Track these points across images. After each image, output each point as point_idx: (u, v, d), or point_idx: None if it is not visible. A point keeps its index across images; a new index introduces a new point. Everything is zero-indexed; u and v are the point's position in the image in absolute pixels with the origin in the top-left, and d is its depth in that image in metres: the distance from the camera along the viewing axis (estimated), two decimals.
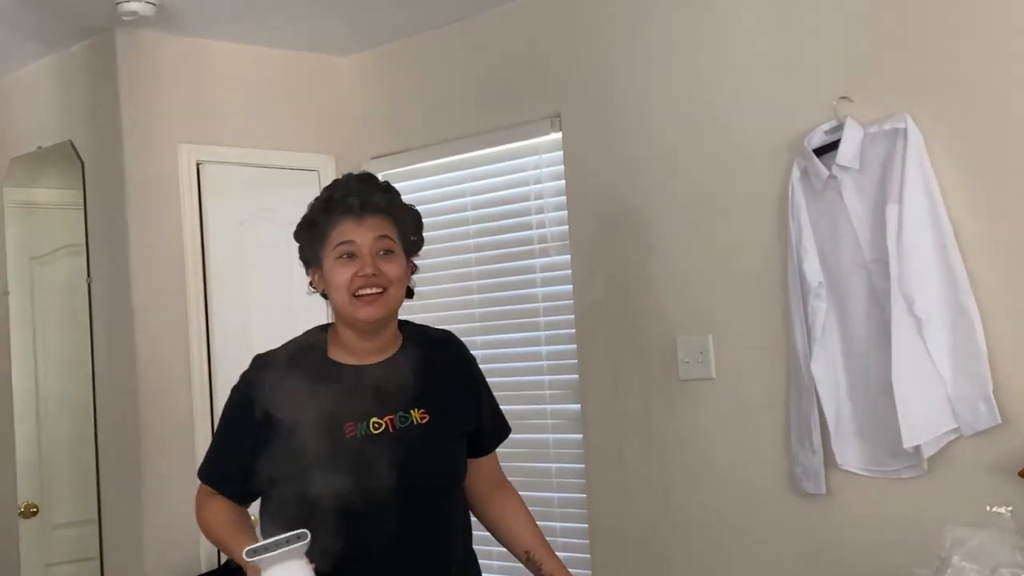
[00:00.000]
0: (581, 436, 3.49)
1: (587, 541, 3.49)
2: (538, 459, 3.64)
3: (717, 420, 3.14)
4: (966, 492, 2.63)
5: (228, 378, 3.64)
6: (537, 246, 3.65)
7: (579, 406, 3.49)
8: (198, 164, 3.83)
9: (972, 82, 2.65)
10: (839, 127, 2.78)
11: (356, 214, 2.16)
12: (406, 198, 4.05)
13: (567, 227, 3.52)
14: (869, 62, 2.82)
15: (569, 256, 3.51)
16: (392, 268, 2.16)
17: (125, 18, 3.48)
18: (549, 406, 3.62)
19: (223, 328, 3.80)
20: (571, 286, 3.51)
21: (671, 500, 3.24)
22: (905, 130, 2.67)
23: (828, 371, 2.84)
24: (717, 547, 3.14)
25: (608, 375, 3.40)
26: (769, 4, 3.01)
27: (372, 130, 4.11)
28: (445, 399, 2.25)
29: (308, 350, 2.23)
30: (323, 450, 2.08)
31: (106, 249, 3.77)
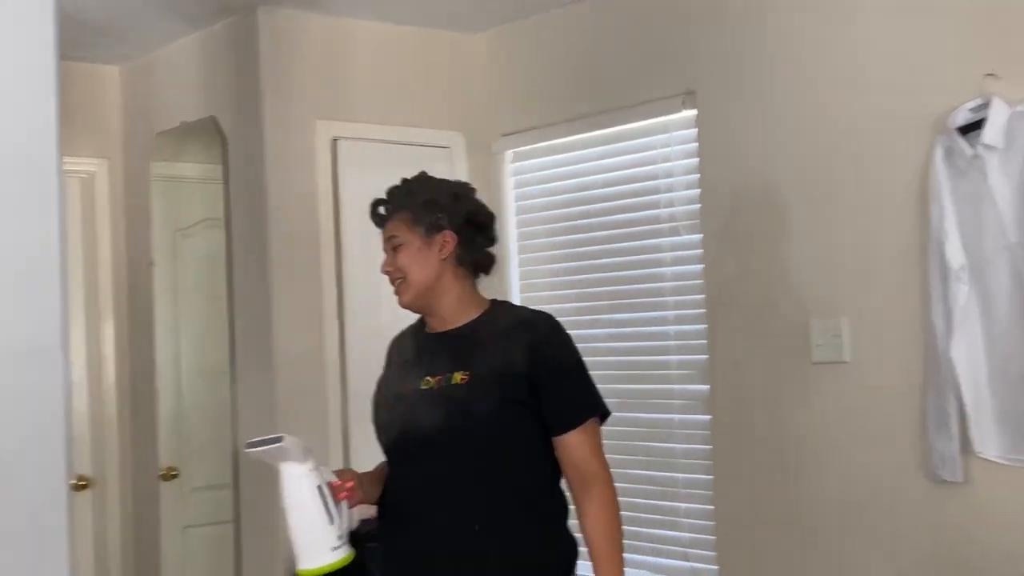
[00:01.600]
0: (708, 417, 3.46)
1: (712, 523, 3.46)
2: (663, 439, 3.62)
3: (850, 404, 3.08)
4: None
5: (360, 348, 3.74)
6: (666, 225, 3.62)
7: (707, 387, 3.46)
8: (334, 140, 3.89)
9: None
10: (985, 105, 2.69)
11: (378, 228, 2.50)
12: (533, 176, 4.09)
13: (698, 206, 3.48)
14: (1017, 37, 2.72)
15: (700, 235, 3.48)
16: (403, 258, 2.38)
17: None
18: (676, 386, 3.60)
19: (354, 302, 3.86)
20: (701, 266, 3.48)
21: (801, 484, 3.19)
22: None
23: (968, 356, 2.76)
24: (848, 533, 3.09)
25: (738, 356, 3.36)
26: None
27: (502, 107, 4.13)
28: (491, 367, 2.35)
29: (419, 320, 2.53)
30: (388, 399, 2.47)
31: (245, 222, 3.87)
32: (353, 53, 3.95)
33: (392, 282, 2.42)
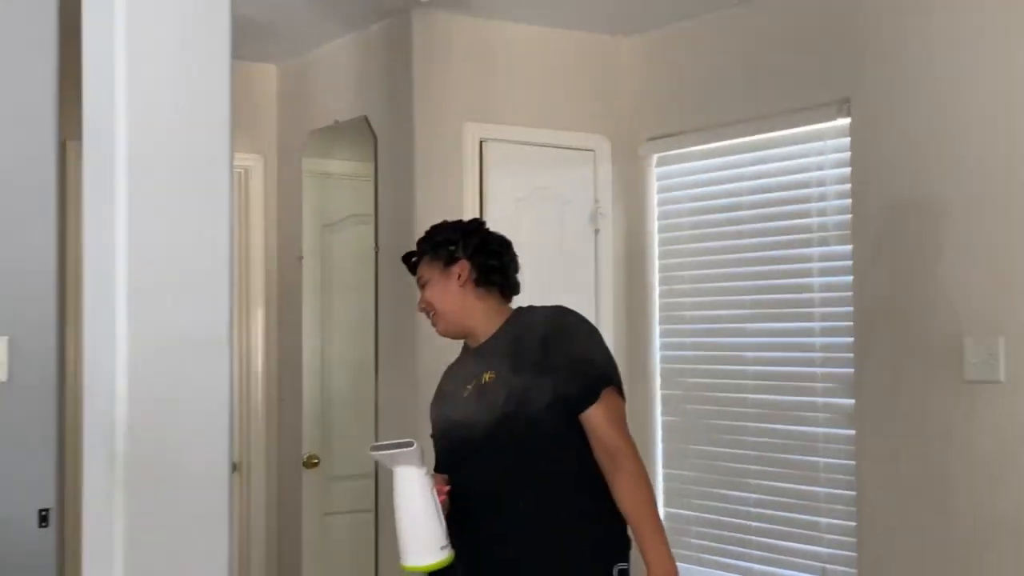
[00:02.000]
0: (854, 432, 3.41)
1: (854, 539, 3.41)
2: (807, 452, 3.57)
3: (1004, 424, 3.00)
4: None
5: None
6: (816, 234, 3.57)
7: (853, 401, 3.41)
8: (481, 142, 3.93)
9: None
10: None
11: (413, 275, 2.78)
12: (678, 181, 4.13)
13: (849, 216, 3.43)
14: None
15: (850, 247, 3.42)
16: (429, 293, 2.68)
17: (421, 1, 3.63)
18: (821, 399, 3.54)
19: None
20: (851, 277, 3.42)
21: (949, 506, 3.13)
22: None
23: None
24: (999, 556, 3.01)
25: (887, 371, 3.30)
26: None
27: (648, 111, 4.12)
28: (513, 363, 2.58)
29: (464, 346, 2.80)
30: (439, 405, 2.74)
31: (393, 220, 3.93)
32: (502, 55, 3.99)
33: (428, 316, 2.71)
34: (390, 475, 2.46)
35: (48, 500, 3.11)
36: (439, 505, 2.42)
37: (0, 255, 3.12)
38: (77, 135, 2.57)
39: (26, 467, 3.14)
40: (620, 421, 2.52)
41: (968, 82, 3.10)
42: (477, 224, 2.79)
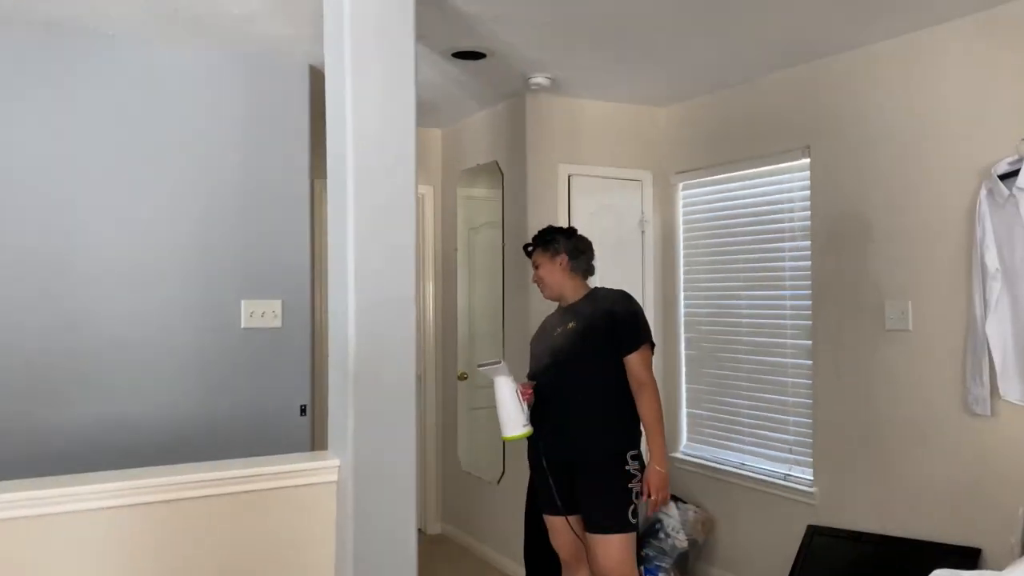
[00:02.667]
0: (810, 362, 3.40)
1: (811, 431, 3.40)
2: (779, 374, 3.56)
3: (911, 360, 2.98)
4: None
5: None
6: (787, 234, 3.54)
7: (810, 342, 3.40)
8: (569, 176, 3.95)
9: None
10: (1020, 160, 2.55)
11: (528, 258, 2.85)
12: (696, 199, 4.13)
13: (809, 222, 3.40)
14: None
15: (809, 242, 3.40)
16: (542, 272, 2.76)
17: (532, 87, 3.67)
18: (789, 340, 3.53)
19: None
20: (810, 262, 3.40)
21: (874, 409, 3.11)
22: None
23: (998, 331, 2.64)
24: (907, 445, 3.00)
25: (833, 322, 3.28)
26: (968, 67, 2.77)
27: (677, 154, 4.11)
28: (585, 320, 2.65)
29: (558, 305, 2.81)
30: (538, 340, 2.81)
31: (512, 226, 3.98)
32: (582, 120, 4.00)
33: (538, 286, 2.80)
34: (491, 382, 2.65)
35: (305, 398, 3.29)
36: (522, 400, 2.57)
37: (278, 250, 3.28)
38: (323, 175, 2.64)
39: (294, 378, 3.28)
40: (647, 364, 2.60)
41: (887, 133, 3.06)
42: (572, 230, 2.86)
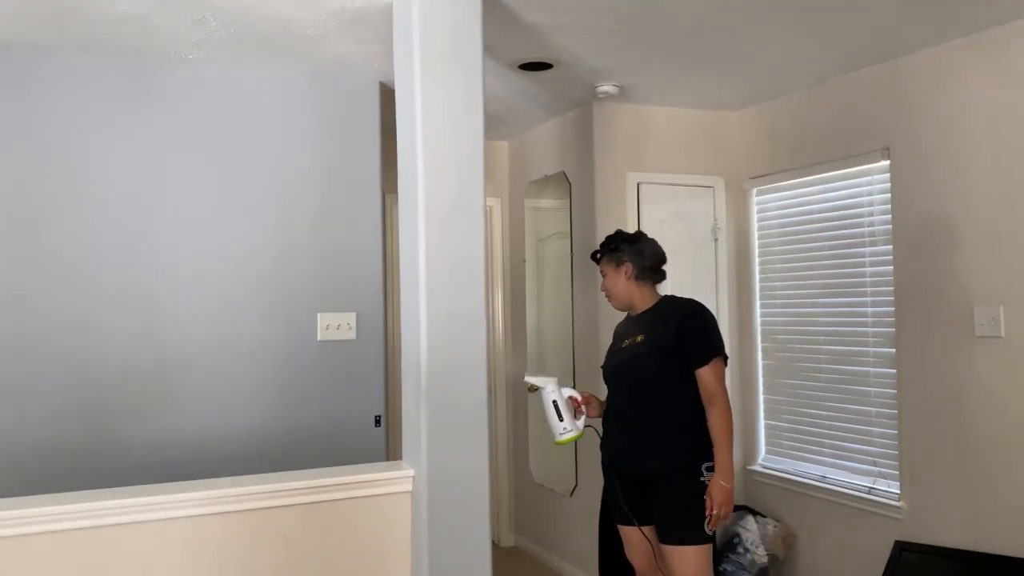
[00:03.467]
0: (894, 371, 3.28)
1: (896, 443, 3.28)
2: (861, 383, 3.45)
3: (1004, 368, 2.84)
4: None
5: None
6: (867, 238, 3.43)
7: (894, 350, 3.28)
8: (638, 184, 3.91)
9: None
10: None
11: (597, 265, 2.80)
12: (770, 205, 4.06)
13: (890, 226, 3.28)
14: None
15: (891, 246, 3.28)
16: (608, 283, 2.71)
17: (600, 95, 3.66)
18: (872, 348, 3.41)
19: None
20: (892, 267, 3.28)
21: (963, 423, 2.98)
22: None
23: None
24: (999, 458, 2.86)
25: (918, 330, 3.16)
26: None
27: (750, 160, 4.04)
28: (655, 332, 2.59)
29: (628, 311, 2.77)
30: (609, 354, 2.76)
31: (581, 236, 3.94)
32: (651, 127, 3.97)
33: (606, 296, 2.75)
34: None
35: (379, 409, 3.31)
36: (564, 408, 2.62)
37: (351, 263, 3.34)
38: (393, 190, 2.71)
39: (368, 389, 3.32)
40: (719, 377, 2.52)
41: (976, 132, 2.94)
42: (638, 235, 2.77)
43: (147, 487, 2.22)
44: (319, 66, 3.20)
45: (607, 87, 3.54)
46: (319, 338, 3.23)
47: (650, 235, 3.08)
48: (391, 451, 3.57)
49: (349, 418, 3.26)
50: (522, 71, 3.31)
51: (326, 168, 3.29)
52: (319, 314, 3.23)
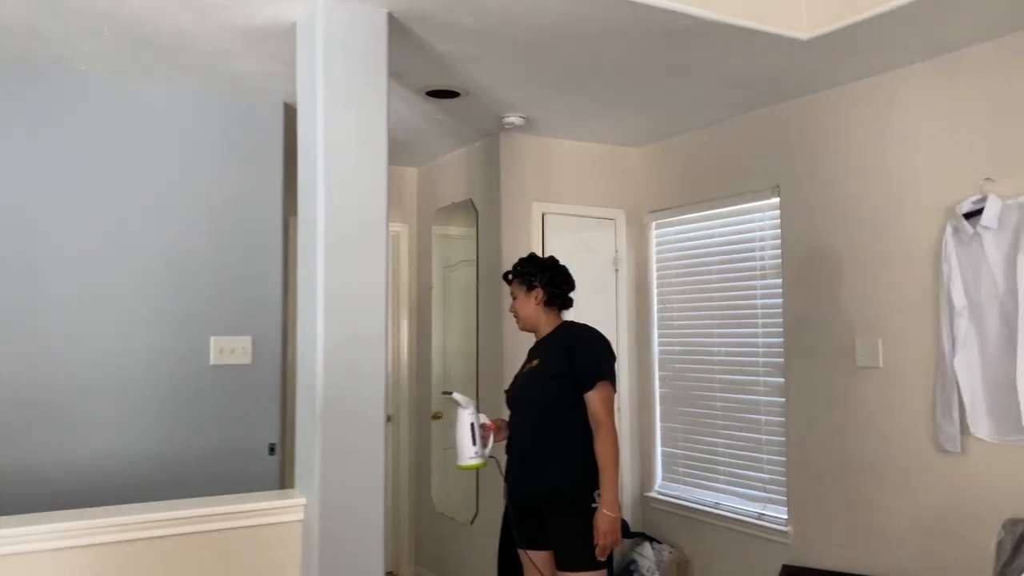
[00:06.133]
0: (783, 399, 3.38)
1: (784, 469, 3.38)
2: (752, 412, 3.55)
3: (882, 396, 2.97)
4: None
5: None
6: (759, 272, 3.55)
7: (783, 379, 3.39)
8: (543, 214, 3.94)
9: None
10: (983, 199, 2.58)
11: (508, 285, 2.78)
12: (669, 238, 4.14)
13: (780, 260, 3.41)
14: (1008, 153, 2.59)
15: (780, 279, 3.41)
16: (517, 305, 2.71)
17: (506, 126, 3.67)
18: (762, 378, 3.52)
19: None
20: (781, 299, 3.41)
21: (844, 447, 3.09)
22: None
23: (967, 368, 2.64)
24: (879, 483, 2.98)
25: (804, 360, 3.28)
26: (933, 109, 2.82)
27: (651, 194, 4.13)
28: (549, 357, 2.60)
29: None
30: (514, 379, 2.75)
31: (487, 264, 3.96)
32: (556, 160, 4.01)
33: (514, 316, 2.75)
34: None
35: (274, 437, 3.23)
36: (479, 432, 2.58)
37: (249, 286, 3.23)
38: (294, 212, 2.60)
39: (263, 416, 3.22)
40: (605, 402, 2.51)
41: (856, 172, 3.09)
42: (552, 261, 2.78)
43: (11, 518, 2.06)
44: (221, 84, 3.11)
45: (514, 118, 3.57)
46: (212, 362, 3.10)
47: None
48: (286, 480, 3.44)
49: (242, 445, 3.14)
50: (430, 98, 3.30)
51: (226, 188, 3.19)
52: (212, 337, 3.11)
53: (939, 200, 2.77)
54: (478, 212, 4.05)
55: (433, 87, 3.16)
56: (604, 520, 2.41)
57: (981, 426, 2.61)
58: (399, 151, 4.27)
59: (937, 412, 2.74)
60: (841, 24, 2.53)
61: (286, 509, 2.31)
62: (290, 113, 3.30)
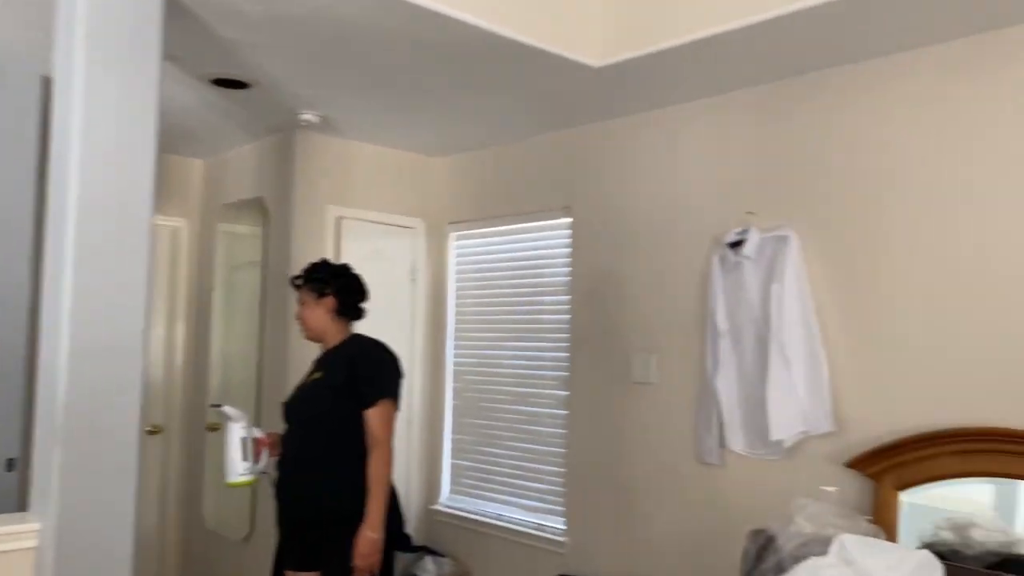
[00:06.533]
0: (566, 412, 3.48)
1: (563, 480, 3.46)
2: (536, 424, 3.61)
3: (654, 409, 3.13)
4: (810, 474, 2.62)
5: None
6: (548, 287, 3.63)
7: (567, 392, 3.48)
8: (338, 218, 3.83)
9: (832, 208, 2.66)
10: (746, 231, 2.78)
11: (296, 291, 2.66)
12: (468, 250, 4.14)
13: (569, 277, 3.51)
14: (767, 189, 2.83)
15: (568, 296, 3.51)
16: (305, 312, 2.58)
17: (301, 123, 3.52)
18: (546, 391, 3.60)
19: None
20: (568, 315, 3.50)
21: (621, 455, 3.23)
22: (788, 236, 2.68)
23: (726, 386, 2.84)
24: (648, 494, 3.13)
25: (587, 373, 3.39)
26: (707, 144, 3.03)
27: (451, 205, 4.13)
28: (331, 370, 2.52)
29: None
30: (292, 390, 2.66)
31: (276, 266, 3.79)
32: (354, 163, 3.90)
33: (299, 324, 2.62)
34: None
35: (14, 452, 2.87)
36: (251, 448, 2.46)
37: None
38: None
39: None
40: (384, 421, 2.43)
41: (639, 199, 3.24)
42: (345, 269, 2.66)
43: None
44: None
45: (309, 116, 3.42)
46: None
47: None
48: (26, 501, 3.03)
49: None
50: (216, 87, 3.07)
51: None
52: None
53: (709, 229, 2.97)
54: (268, 211, 3.86)
55: (220, 75, 2.95)
56: (365, 542, 2.35)
57: (736, 441, 2.82)
58: (182, 140, 3.96)
59: (699, 427, 2.92)
60: (629, 55, 2.65)
61: (16, 535, 2.04)
62: (49, 88, 2.93)
